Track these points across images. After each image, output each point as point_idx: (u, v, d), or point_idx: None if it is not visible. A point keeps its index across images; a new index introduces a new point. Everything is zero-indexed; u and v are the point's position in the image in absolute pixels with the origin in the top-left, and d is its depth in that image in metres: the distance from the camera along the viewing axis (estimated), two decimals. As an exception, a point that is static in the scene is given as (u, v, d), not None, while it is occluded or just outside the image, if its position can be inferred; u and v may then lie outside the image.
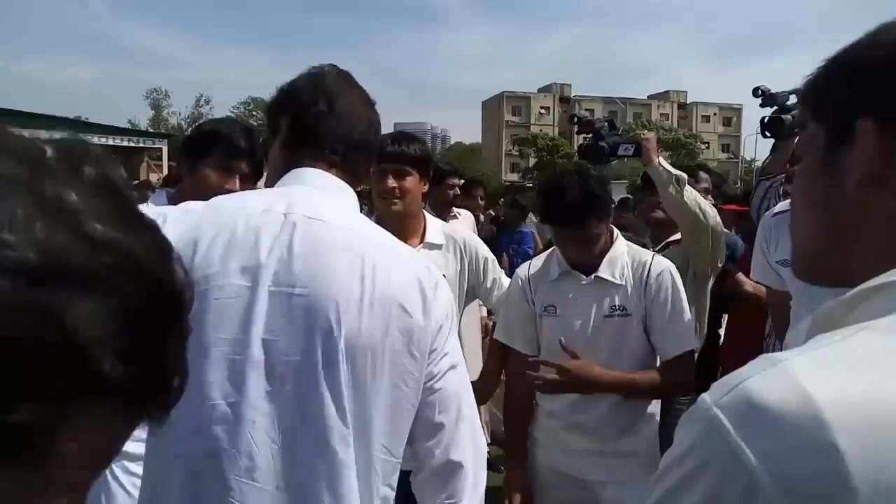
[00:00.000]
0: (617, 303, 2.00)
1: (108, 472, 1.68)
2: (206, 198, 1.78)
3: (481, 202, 5.83)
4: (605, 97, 70.67)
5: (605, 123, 2.67)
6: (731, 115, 74.68)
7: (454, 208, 4.32)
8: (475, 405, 1.18)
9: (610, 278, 2.00)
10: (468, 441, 1.12)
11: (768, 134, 2.67)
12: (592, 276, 2.01)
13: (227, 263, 0.99)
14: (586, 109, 70.19)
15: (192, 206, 1.09)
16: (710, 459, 0.48)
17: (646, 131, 2.58)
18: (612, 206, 2.09)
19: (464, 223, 4.01)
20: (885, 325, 0.50)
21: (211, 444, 0.97)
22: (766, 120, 2.64)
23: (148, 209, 1.18)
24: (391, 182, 2.08)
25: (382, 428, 1.02)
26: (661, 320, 1.99)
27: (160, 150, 36.48)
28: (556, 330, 2.04)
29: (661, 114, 70.06)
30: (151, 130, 46.17)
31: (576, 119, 2.73)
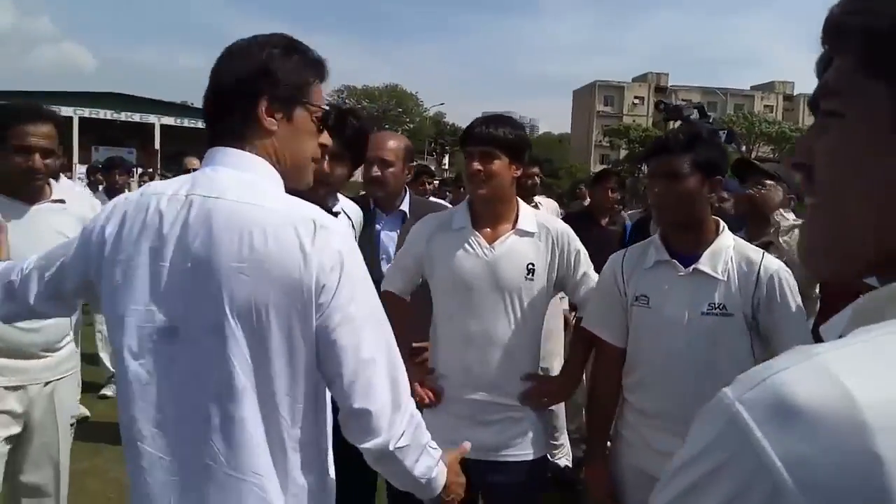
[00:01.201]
0: (717, 300, 1.85)
1: None
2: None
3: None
4: (705, 87, 67.69)
5: (695, 110, 2.52)
6: (842, 108, 69.62)
7: (535, 197, 4.17)
8: (388, 352, 1.18)
9: (710, 272, 1.87)
10: (376, 389, 1.15)
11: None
12: (691, 268, 1.89)
13: (139, 243, 1.17)
14: (683, 100, 67.40)
15: (128, 195, 1.26)
16: (727, 462, 0.41)
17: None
18: (723, 177, 1.94)
19: (546, 211, 3.91)
20: None
21: (128, 402, 1.17)
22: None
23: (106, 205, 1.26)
24: (476, 165, 2.03)
25: (283, 378, 1.13)
26: (777, 325, 1.83)
27: (258, 134, 38.23)
28: (646, 322, 1.93)
29: (765, 105, 66.40)
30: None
31: (662, 106, 2.60)
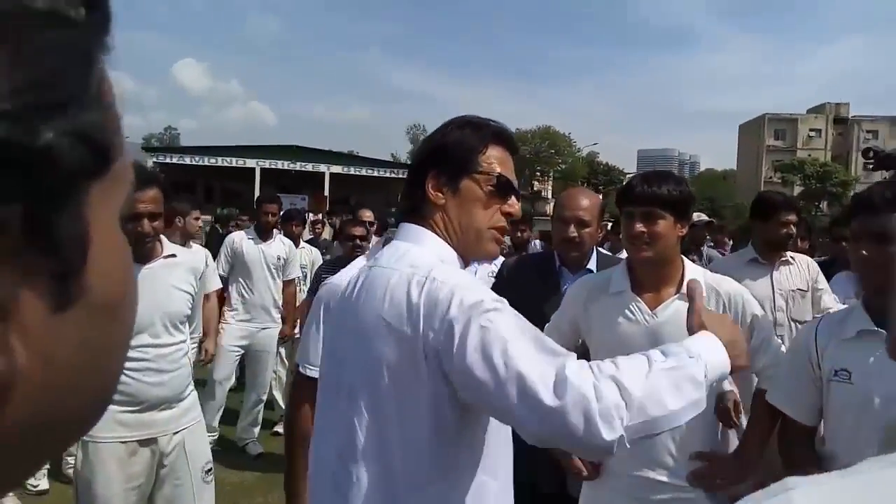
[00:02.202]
0: (935, 377, 1.57)
1: None
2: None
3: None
4: (893, 117, 60.80)
5: (914, 156, 2.18)
6: None
7: (788, 253, 3.30)
8: (538, 369, 1.00)
9: (926, 345, 1.58)
10: (543, 410, 0.98)
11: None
12: (901, 340, 1.61)
13: (337, 310, 1.31)
14: (868, 131, 61.23)
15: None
16: None
17: None
18: None
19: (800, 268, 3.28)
20: None
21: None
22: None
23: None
24: (639, 227, 1.91)
25: (396, 437, 1.12)
26: None
27: (416, 179, 39.98)
28: (848, 400, 1.69)
29: (972, 133, 58.11)
30: (410, 163, 50.87)
31: (871, 153, 2.27)
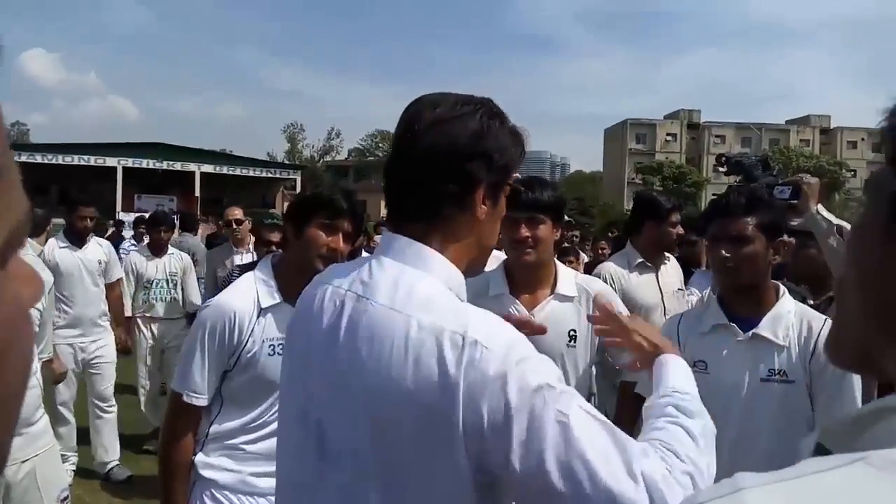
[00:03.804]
0: (776, 366, 1.77)
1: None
2: (313, 257, 1.78)
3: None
4: (738, 123, 67.13)
5: (759, 163, 2.42)
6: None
7: (667, 253, 3.33)
8: (608, 450, 0.85)
9: (771, 337, 1.78)
10: (624, 489, 0.83)
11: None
12: (750, 333, 1.80)
13: (298, 344, 1.08)
14: (717, 136, 67.11)
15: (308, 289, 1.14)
16: None
17: (808, 175, 2.29)
18: (786, 241, 1.89)
19: (674, 271, 3.31)
20: (881, 459, 0.39)
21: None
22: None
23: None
24: (524, 231, 1.98)
25: None
26: (825, 397, 1.74)
27: (294, 180, 39.13)
28: (704, 389, 1.83)
29: (801, 140, 65.30)
30: (287, 162, 49.52)
31: (723, 159, 2.50)
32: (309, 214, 1.86)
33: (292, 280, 1.76)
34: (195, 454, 1.82)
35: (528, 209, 1.98)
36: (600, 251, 7.43)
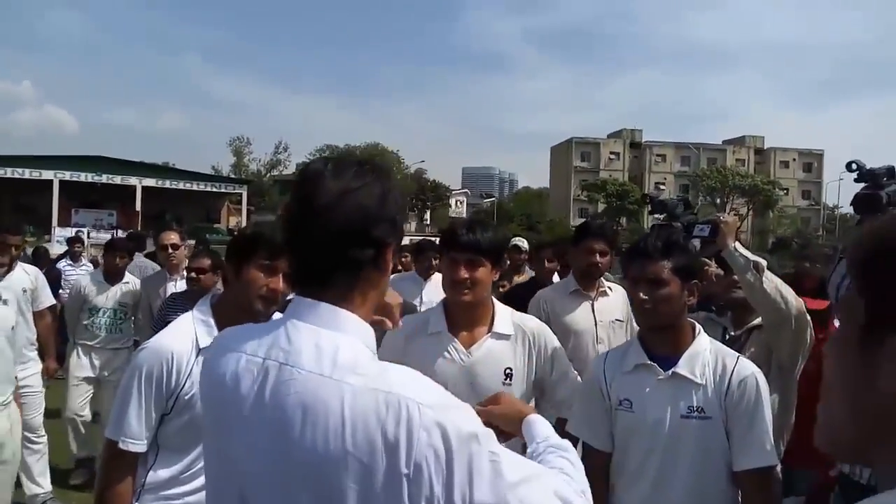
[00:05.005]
0: (695, 403, 1.88)
1: None
2: (253, 298, 1.82)
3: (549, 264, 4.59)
4: (678, 142, 69.52)
5: (680, 203, 2.60)
6: (811, 161, 71.76)
7: (604, 280, 3.30)
8: (533, 481, 0.98)
9: (689, 376, 1.90)
10: None
11: (860, 210, 2.53)
12: (670, 372, 1.92)
13: (217, 412, 1.07)
14: (658, 155, 69.28)
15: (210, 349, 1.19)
16: None
17: (725, 213, 2.47)
18: (695, 282, 2.00)
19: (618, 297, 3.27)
20: None
21: None
22: (858, 195, 2.50)
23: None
24: (463, 273, 2.05)
25: None
26: (740, 430, 1.86)
27: (240, 195, 38.41)
28: (630, 426, 1.95)
29: (737, 159, 68.04)
30: (233, 176, 48.55)
31: (648, 199, 2.68)
32: (248, 254, 1.87)
33: (232, 320, 1.73)
34: None
35: (468, 251, 2.06)
36: (548, 262, 7.35)
